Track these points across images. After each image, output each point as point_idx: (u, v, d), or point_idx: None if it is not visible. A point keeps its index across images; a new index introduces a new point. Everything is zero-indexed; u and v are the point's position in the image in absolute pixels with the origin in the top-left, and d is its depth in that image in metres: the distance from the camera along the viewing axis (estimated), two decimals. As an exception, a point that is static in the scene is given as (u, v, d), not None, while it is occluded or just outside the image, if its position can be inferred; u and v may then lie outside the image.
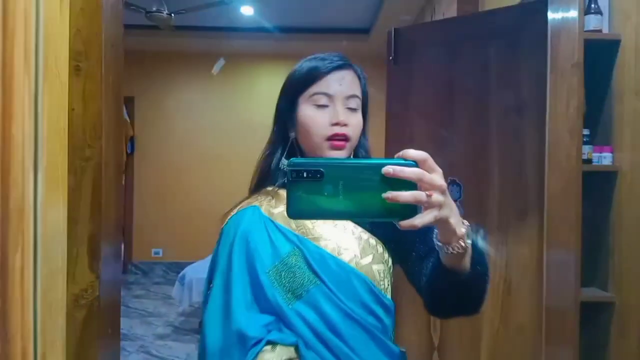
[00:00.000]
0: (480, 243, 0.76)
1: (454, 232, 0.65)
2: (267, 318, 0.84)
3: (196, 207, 5.60)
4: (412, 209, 0.60)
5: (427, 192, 0.60)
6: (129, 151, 5.52)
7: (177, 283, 3.79)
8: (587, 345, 1.76)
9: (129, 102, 5.55)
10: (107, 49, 1.62)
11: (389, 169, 0.59)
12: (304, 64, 0.92)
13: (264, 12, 4.57)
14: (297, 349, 0.82)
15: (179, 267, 4.17)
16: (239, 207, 0.96)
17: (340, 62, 0.90)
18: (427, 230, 0.66)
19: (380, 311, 0.87)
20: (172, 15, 3.79)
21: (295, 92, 0.91)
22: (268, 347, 0.80)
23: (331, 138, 0.87)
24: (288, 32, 4.92)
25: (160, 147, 5.74)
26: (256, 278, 0.85)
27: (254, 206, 0.92)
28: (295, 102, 0.91)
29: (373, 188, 0.60)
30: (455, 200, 2.80)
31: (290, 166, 0.61)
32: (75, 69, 1.32)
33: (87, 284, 1.39)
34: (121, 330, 3.67)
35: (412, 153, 0.61)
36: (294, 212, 0.62)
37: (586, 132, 1.63)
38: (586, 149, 1.60)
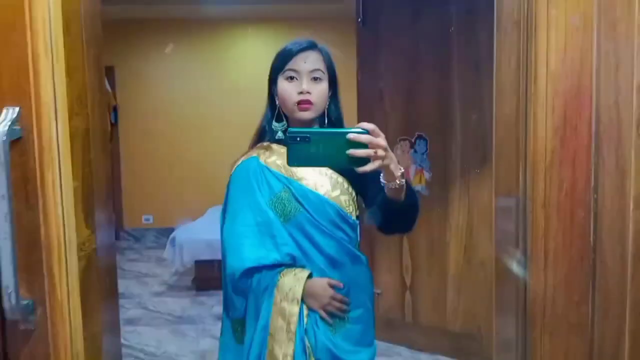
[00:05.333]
0: (412, 185, 1.13)
1: (392, 174, 1.00)
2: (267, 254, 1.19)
3: (183, 172, 5.75)
4: (365, 160, 0.94)
5: (374, 150, 0.93)
6: (112, 121, 5.61)
7: (168, 245, 3.98)
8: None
9: (110, 71, 5.60)
10: (86, 23, 1.74)
11: (350, 136, 0.93)
12: (281, 49, 1.22)
13: (238, -24, 4.60)
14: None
15: (170, 232, 4.34)
16: (242, 157, 1.28)
17: (305, 45, 1.19)
18: (376, 175, 1.02)
19: (346, 227, 1.22)
20: (147, -17, 3.83)
21: (275, 71, 1.22)
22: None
23: (299, 103, 1.17)
24: (264, -4, 4.97)
25: (144, 115, 5.83)
26: (259, 207, 1.20)
27: (254, 157, 1.25)
28: (276, 78, 1.22)
29: (341, 147, 0.94)
30: (422, 154, 2.98)
31: (289, 133, 0.96)
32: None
33: (84, 238, 1.57)
34: (119, 290, 3.87)
35: (365, 125, 0.94)
36: (292, 163, 0.97)
37: (525, 83, 1.81)
38: (525, 98, 1.78)
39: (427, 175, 2.75)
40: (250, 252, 1.18)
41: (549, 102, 0.60)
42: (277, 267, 1.18)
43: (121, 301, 3.59)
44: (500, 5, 1.98)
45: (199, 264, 3.89)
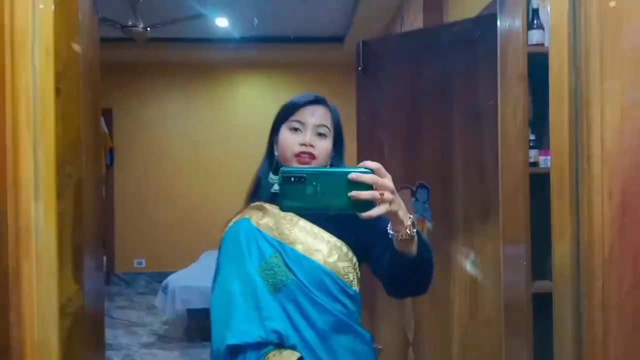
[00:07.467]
0: (425, 237, 0.96)
1: (401, 222, 0.87)
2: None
3: (177, 216, 5.65)
4: (370, 204, 0.83)
5: (380, 192, 0.82)
6: (108, 163, 5.54)
7: (160, 292, 3.85)
8: (543, 334, 1.89)
9: (107, 113, 5.58)
10: (84, 68, 1.69)
11: (352, 176, 0.82)
12: (288, 101, 1.15)
13: (238, 23, 4.66)
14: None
15: (162, 276, 4.23)
16: (235, 218, 1.18)
17: (313, 98, 1.12)
18: (383, 232, 0.90)
19: (345, 299, 1.06)
20: (148, 29, 3.86)
21: (279, 121, 1.14)
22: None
23: (298, 154, 1.07)
24: (263, 42, 5.03)
25: (140, 158, 5.78)
26: (247, 275, 1.07)
27: (246, 218, 1.14)
28: (279, 128, 1.13)
29: (341, 189, 0.82)
30: (424, 202, 2.92)
31: (282, 173, 0.85)
32: (55, 91, 1.40)
33: (72, 294, 1.47)
34: (106, 340, 3.71)
35: (369, 164, 0.84)
36: (285, 207, 0.86)
37: (532, 137, 1.77)
38: (532, 153, 1.74)
39: (429, 224, 2.68)
40: (233, 326, 1.03)
41: (606, 185, 0.54)
42: (264, 346, 1.02)
43: (108, 352, 3.42)
44: (503, 58, 1.97)
45: (192, 312, 3.75)
